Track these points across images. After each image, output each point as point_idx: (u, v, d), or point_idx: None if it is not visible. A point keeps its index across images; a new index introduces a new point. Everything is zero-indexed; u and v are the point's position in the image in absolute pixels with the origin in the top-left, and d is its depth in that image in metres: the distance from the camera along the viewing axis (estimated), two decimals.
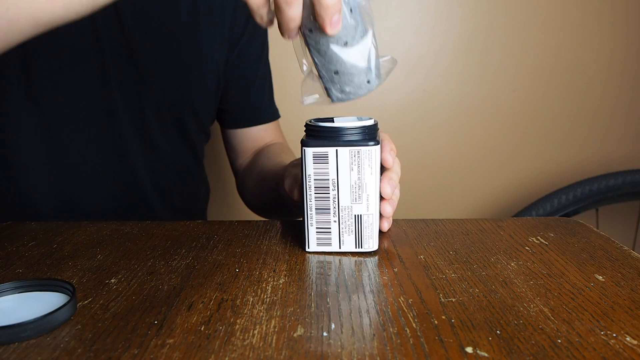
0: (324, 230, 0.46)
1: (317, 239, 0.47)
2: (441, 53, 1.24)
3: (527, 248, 0.48)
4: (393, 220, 0.55)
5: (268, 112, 0.86)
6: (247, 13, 0.78)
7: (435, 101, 1.27)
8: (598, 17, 1.24)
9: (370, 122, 0.45)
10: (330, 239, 0.47)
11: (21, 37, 0.40)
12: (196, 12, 0.73)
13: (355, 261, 0.45)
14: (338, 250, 0.47)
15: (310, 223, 0.46)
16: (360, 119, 0.46)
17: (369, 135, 0.44)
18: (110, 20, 0.66)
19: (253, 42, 0.81)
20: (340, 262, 0.45)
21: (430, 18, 1.22)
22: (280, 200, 0.65)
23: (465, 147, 1.30)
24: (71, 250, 0.49)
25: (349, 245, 0.47)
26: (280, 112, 0.88)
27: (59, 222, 0.57)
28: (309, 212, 0.46)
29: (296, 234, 0.53)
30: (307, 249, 0.47)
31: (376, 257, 0.46)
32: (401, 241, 0.50)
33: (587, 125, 1.30)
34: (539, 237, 0.51)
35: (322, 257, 0.46)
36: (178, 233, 0.53)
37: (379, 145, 0.45)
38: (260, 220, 0.58)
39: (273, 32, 0.86)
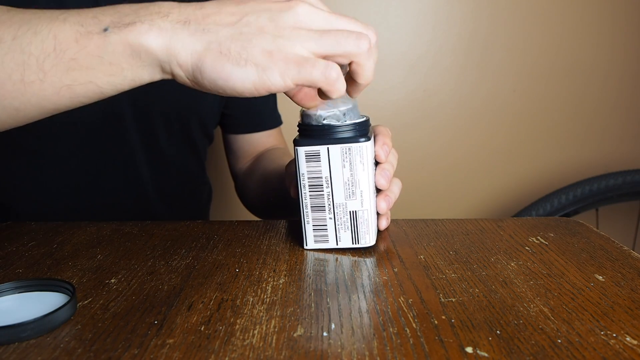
0: (320, 227, 0.47)
1: (314, 236, 0.47)
2: (441, 53, 1.24)
3: (527, 248, 0.48)
4: (393, 220, 0.55)
5: (271, 119, 0.86)
6: None
7: (435, 101, 1.27)
8: (598, 16, 1.24)
9: (361, 119, 0.46)
10: (327, 235, 0.47)
11: (27, 121, 0.41)
12: None
13: (356, 261, 0.45)
14: (336, 246, 0.47)
15: (307, 221, 0.47)
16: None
17: (360, 131, 0.45)
18: None
19: None
20: (340, 262, 0.45)
21: (430, 18, 1.22)
22: (284, 201, 0.65)
23: (465, 146, 1.30)
24: (71, 250, 0.49)
25: (346, 242, 0.47)
26: (283, 118, 0.88)
27: (59, 222, 0.57)
28: (304, 210, 0.47)
29: (296, 234, 0.53)
30: (305, 247, 0.48)
31: (376, 257, 0.46)
32: (401, 241, 0.50)
33: (586, 125, 1.30)
34: (539, 237, 0.51)
35: (322, 257, 0.46)
36: (178, 233, 0.53)
37: (370, 141, 0.45)
38: (260, 220, 0.58)
39: None
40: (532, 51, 1.25)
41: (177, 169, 0.77)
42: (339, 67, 0.37)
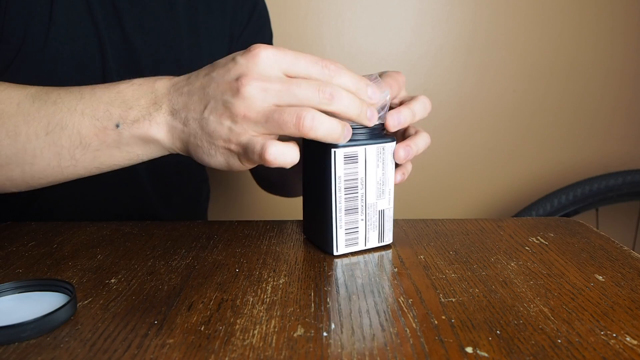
0: (352, 230, 0.46)
1: (346, 240, 0.46)
2: (441, 53, 1.24)
3: (527, 248, 0.48)
4: (393, 220, 0.55)
5: None
6: (250, 7, 0.79)
7: (435, 101, 1.26)
8: (598, 17, 1.24)
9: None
10: (357, 238, 0.46)
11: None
12: (195, 13, 0.72)
13: (356, 261, 0.45)
14: (364, 247, 0.47)
15: (339, 225, 0.45)
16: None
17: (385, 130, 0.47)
18: (112, 24, 0.66)
19: (257, 39, 0.80)
20: (340, 263, 0.45)
21: (430, 18, 1.22)
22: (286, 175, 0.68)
23: (465, 147, 1.30)
24: (71, 250, 0.49)
25: (373, 241, 0.47)
26: None
27: (59, 222, 0.57)
28: (337, 214, 0.45)
29: (296, 234, 0.53)
30: (335, 252, 0.46)
31: (376, 257, 0.46)
32: (401, 241, 0.50)
33: (587, 125, 1.30)
34: (539, 237, 0.51)
35: (321, 257, 0.46)
36: (178, 233, 0.53)
37: (395, 141, 0.47)
38: (260, 220, 0.58)
39: (277, 34, 0.86)
40: (532, 51, 1.25)
41: (175, 165, 0.77)
42: (264, 146, 0.40)
